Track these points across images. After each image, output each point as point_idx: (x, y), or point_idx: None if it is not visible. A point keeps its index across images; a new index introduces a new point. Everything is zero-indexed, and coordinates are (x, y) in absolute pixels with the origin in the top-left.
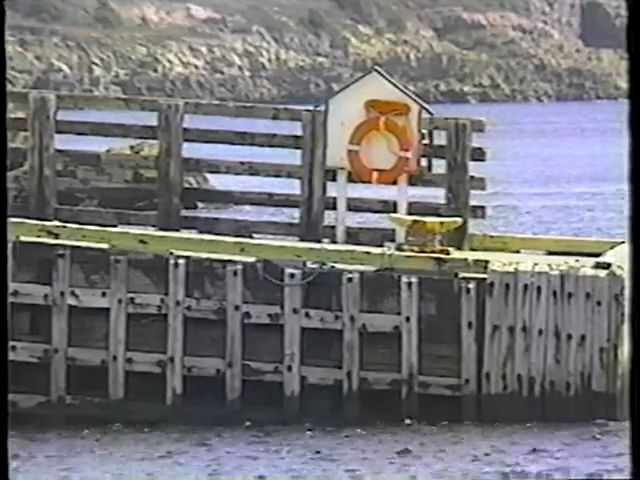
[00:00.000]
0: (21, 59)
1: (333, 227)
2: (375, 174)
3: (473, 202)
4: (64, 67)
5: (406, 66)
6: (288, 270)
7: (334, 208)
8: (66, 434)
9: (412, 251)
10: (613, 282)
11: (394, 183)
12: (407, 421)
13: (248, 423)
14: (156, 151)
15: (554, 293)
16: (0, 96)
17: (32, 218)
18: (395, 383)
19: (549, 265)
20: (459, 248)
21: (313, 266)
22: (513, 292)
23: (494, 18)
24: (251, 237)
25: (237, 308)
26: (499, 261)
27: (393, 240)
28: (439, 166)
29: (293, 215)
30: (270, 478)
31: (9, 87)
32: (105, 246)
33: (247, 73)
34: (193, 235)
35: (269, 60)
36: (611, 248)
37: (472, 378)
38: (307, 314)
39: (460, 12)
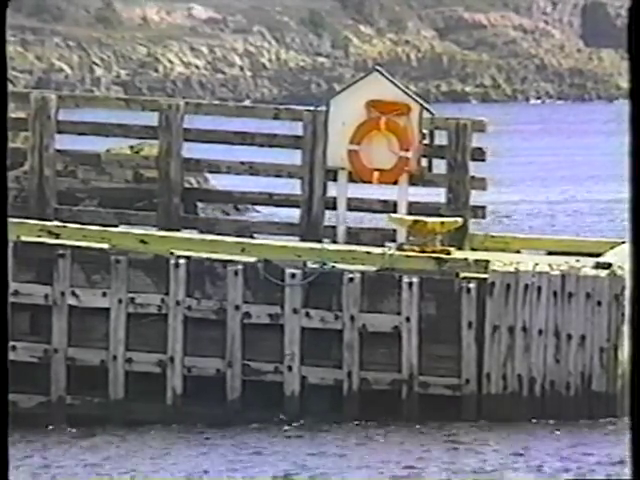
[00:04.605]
0: (22, 59)
1: (334, 227)
2: (376, 174)
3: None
4: (65, 67)
5: (407, 66)
6: (289, 270)
7: (334, 208)
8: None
9: (413, 251)
10: (613, 282)
11: (395, 183)
12: None
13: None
14: (156, 151)
15: (554, 293)
16: (1, 96)
17: (32, 218)
18: (395, 383)
19: (550, 265)
20: (460, 248)
21: (314, 266)
22: (514, 292)
23: (495, 18)
24: (252, 237)
25: (237, 308)
26: (500, 261)
27: (394, 240)
28: (439, 166)
29: (294, 215)
30: (270, 478)
31: (10, 87)
32: (106, 246)
33: (248, 73)
34: (194, 235)
35: (270, 60)
36: (611, 248)
37: (472, 378)
38: (307, 314)
39: (461, 12)
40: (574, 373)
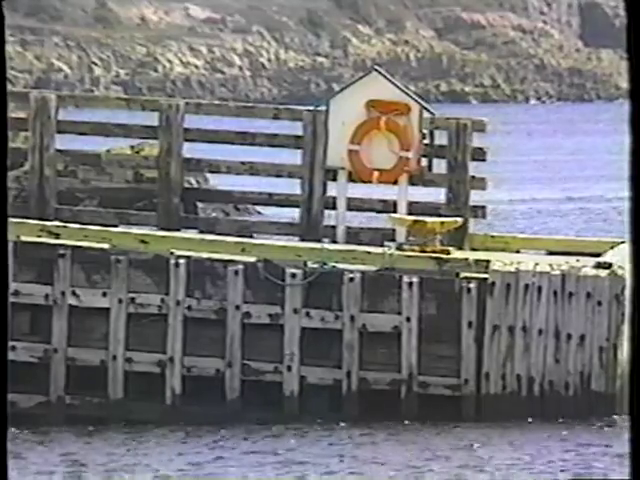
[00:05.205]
0: (21, 59)
1: (333, 227)
2: (376, 174)
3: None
4: (64, 67)
5: (406, 66)
6: (289, 270)
7: (334, 208)
8: None
9: (413, 251)
10: (614, 282)
11: (395, 183)
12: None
13: None
14: (156, 151)
15: (555, 293)
16: (1, 96)
17: (32, 218)
18: (395, 383)
19: (550, 265)
20: (460, 248)
21: (314, 266)
22: (514, 292)
23: (493, 18)
24: (251, 237)
25: (238, 308)
26: (500, 261)
27: (394, 240)
28: (440, 166)
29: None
30: (273, 478)
31: (10, 87)
32: (106, 246)
33: (247, 73)
34: (194, 235)
35: (269, 60)
36: (611, 248)
37: (472, 378)
38: (307, 314)
39: (459, 12)
40: (573, 373)
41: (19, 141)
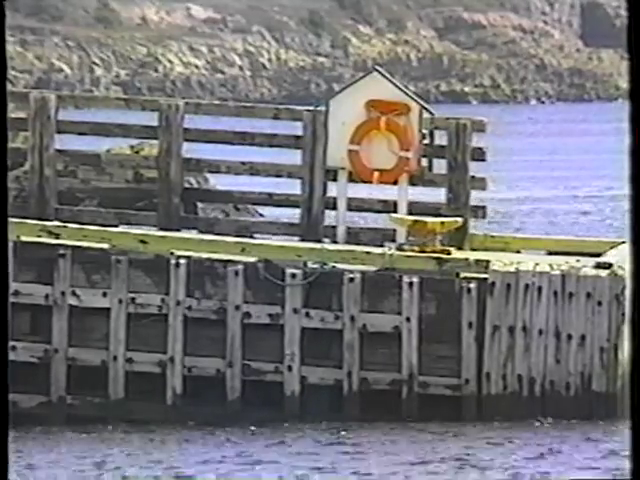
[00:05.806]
0: (22, 59)
1: (334, 227)
2: (376, 174)
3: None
4: (65, 67)
5: (407, 66)
6: (289, 270)
7: (334, 208)
8: None
9: (413, 251)
10: (614, 282)
11: (395, 183)
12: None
13: None
14: (156, 151)
15: (555, 293)
16: (1, 96)
17: (32, 218)
18: (395, 383)
19: (550, 265)
20: (460, 248)
21: (314, 266)
22: (514, 292)
23: (494, 18)
24: (252, 237)
25: (238, 308)
26: (500, 261)
27: (394, 240)
28: (440, 166)
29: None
30: (270, 478)
31: (10, 87)
32: (106, 246)
33: (248, 73)
34: (194, 235)
35: (269, 60)
36: (611, 248)
37: (472, 378)
38: (307, 314)
39: (460, 12)
40: (574, 373)
41: (19, 141)
